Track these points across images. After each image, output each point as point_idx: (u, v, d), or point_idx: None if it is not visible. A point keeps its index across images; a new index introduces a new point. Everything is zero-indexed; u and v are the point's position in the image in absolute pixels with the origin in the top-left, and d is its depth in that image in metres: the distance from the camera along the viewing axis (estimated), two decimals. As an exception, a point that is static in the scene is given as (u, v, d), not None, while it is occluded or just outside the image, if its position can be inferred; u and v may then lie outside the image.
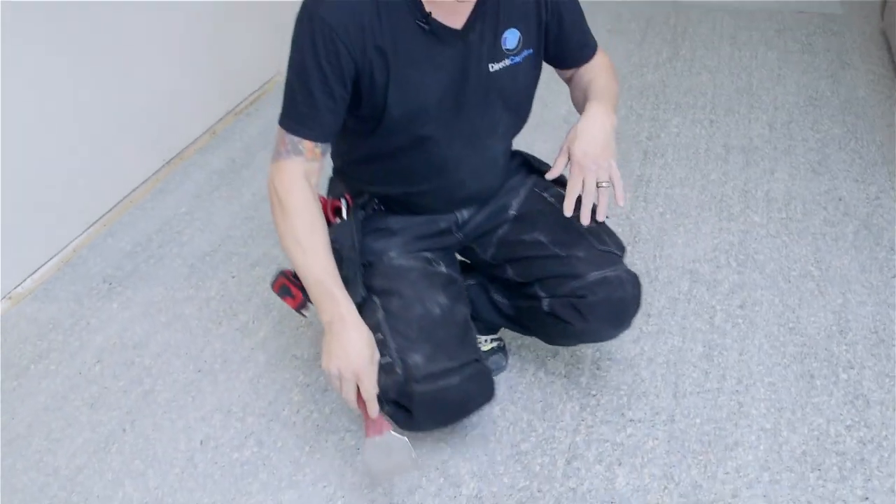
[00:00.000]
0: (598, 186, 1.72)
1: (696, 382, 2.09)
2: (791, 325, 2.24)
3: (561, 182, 1.84)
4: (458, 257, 2.01)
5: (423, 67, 1.64)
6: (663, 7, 4.47)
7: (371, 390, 1.61)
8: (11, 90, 2.39)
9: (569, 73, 1.92)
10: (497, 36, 1.69)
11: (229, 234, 2.74)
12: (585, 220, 1.73)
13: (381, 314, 1.71)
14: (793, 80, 3.59)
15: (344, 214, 1.78)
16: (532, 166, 1.98)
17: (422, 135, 1.70)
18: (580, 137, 1.71)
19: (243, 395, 2.13)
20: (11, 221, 2.46)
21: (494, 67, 1.70)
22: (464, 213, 1.90)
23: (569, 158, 1.74)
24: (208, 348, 2.27)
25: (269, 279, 1.80)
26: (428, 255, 1.86)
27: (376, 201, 1.87)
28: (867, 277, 2.40)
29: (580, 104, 1.84)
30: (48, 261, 2.61)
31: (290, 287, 1.74)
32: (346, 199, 1.80)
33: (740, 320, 2.27)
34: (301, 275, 1.65)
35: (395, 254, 1.83)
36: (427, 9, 1.60)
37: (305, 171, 1.64)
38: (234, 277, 2.53)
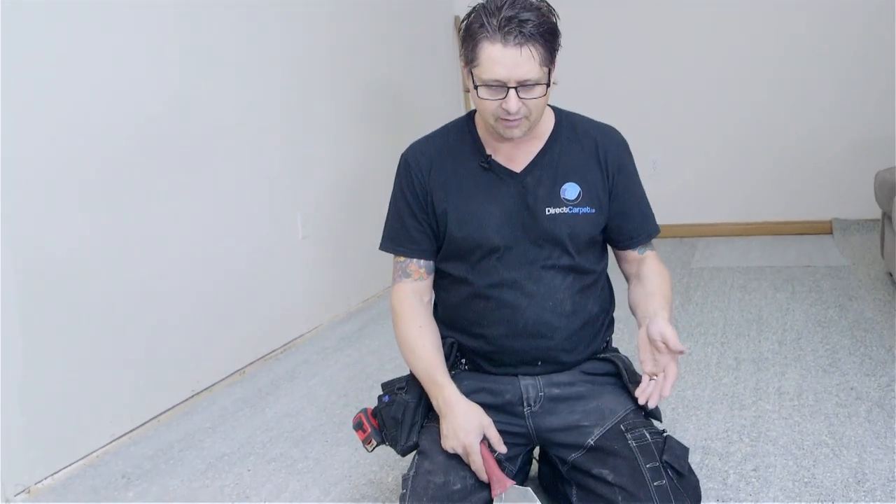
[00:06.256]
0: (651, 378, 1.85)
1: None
2: (806, 480, 2.20)
3: (655, 416, 2.01)
4: None
5: (481, 198, 1.91)
6: (675, 272, 4.69)
7: (478, 462, 1.79)
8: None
9: (625, 258, 2.08)
10: (555, 185, 1.91)
11: (249, 441, 2.79)
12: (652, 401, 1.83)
13: (412, 472, 1.84)
14: (801, 311, 3.71)
15: None
16: (622, 380, 2.04)
17: (483, 256, 1.91)
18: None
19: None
20: (40, 423, 2.55)
21: (551, 211, 1.90)
22: (529, 389, 1.94)
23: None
24: (217, 521, 2.27)
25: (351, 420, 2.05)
26: None
27: (458, 356, 2.02)
28: (883, 442, 2.37)
29: (637, 303, 2.00)
30: (71, 463, 2.66)
31: (364, 422, 1.96)
32: None
33: (754, 479, 2.23)
34: (413, 371, 1.93)
35: None
36: (488, 151, 1.93)
37: (415, 289, 1.98)
38: (249, 471, 2.55)
